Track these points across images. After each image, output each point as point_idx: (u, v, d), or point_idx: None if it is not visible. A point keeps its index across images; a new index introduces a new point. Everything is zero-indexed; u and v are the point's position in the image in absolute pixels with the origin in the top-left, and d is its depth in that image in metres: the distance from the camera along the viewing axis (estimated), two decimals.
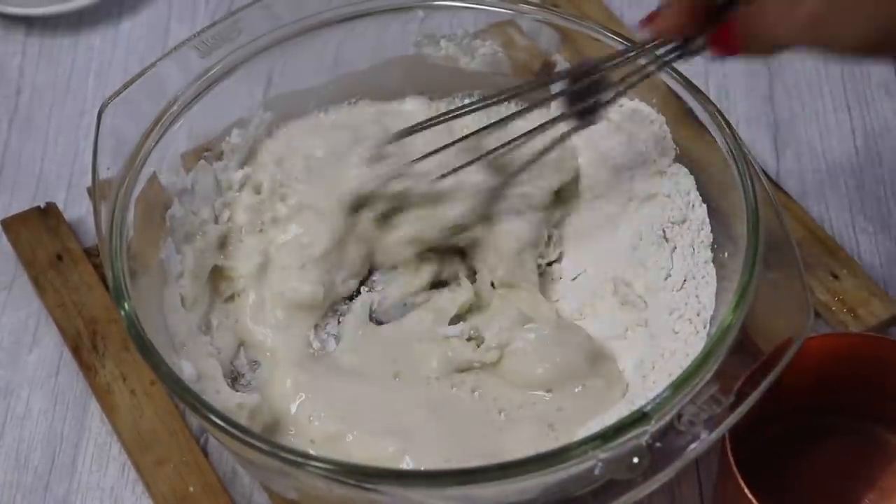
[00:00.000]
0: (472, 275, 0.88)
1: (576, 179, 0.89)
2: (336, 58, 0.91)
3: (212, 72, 0.85)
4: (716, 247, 0.81)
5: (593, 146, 0.88)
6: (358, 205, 0.85)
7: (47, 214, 0.95)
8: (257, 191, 0.88)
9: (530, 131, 0.83)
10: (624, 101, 0.88)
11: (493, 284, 0.87)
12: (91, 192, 0.88)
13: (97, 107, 0.81)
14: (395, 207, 0.85)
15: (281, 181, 0.88)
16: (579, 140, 0.88)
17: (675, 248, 0.83)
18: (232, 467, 0.83)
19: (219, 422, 0.69)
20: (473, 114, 0.86)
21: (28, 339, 0.91)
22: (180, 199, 0.85)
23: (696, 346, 0.76)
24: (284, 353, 0.83)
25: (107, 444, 0.85)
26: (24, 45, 1.11)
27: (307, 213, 0.86)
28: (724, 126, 0.79)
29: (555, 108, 0.85)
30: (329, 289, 0.85)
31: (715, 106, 0.79)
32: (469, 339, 0.83)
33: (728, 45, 0.69)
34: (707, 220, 0.82)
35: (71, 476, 0.84)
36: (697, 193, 0.83)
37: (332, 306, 0.87)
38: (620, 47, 0.85)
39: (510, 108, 0.89)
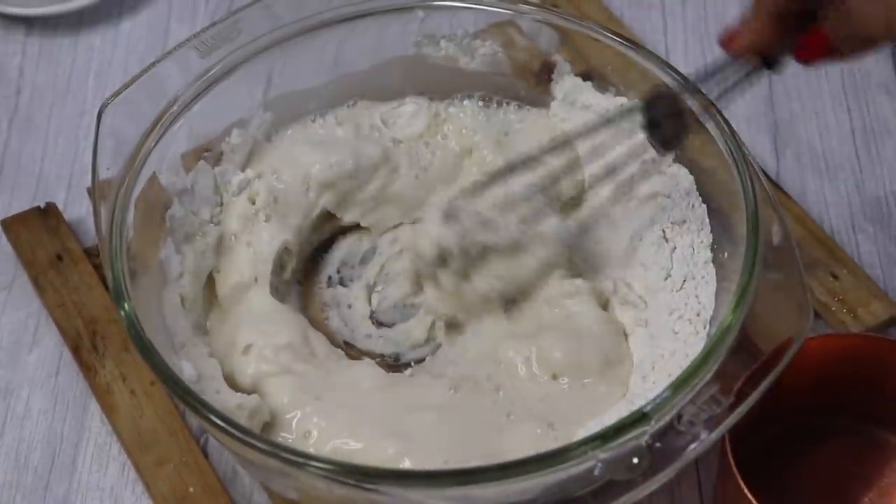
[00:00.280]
0: None
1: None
2: (336, 58, 0.91)
3: (212, 72, 0.85)
4: (715, 247, 0.81)
5: (592, 146, 0.88)
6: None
7: (47, 214, 0.95)
8: (252, 200, 0.88)
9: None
10: (623, 100, 0.88)
11: None
12: (91, 192, 0.88)
13: (97, 107, 0.81)
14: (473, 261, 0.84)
15: (276, 197, 0.87)
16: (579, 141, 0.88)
17: (675, 248, 0.83)
18: (232, 467, 0.83)
19: (218, 422, 0.69)
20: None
21: (28, 339, 0.91)
22: (180, 200, 0.85)
23: (696, 346, 0.76)
24: None
25: (107, 445, 0.85)
26: (24, 45, 1.11)
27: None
28: (724, 126, 0.79)
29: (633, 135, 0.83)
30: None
31: (715, 106, 0.79)
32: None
33: (815, 50, 0.69)
34: (707, 220, 0.82)
35: (71, 476, 0.84)
36: (697, 194, 0.83)
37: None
38: (621, 48, 0.85)
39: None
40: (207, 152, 0.88)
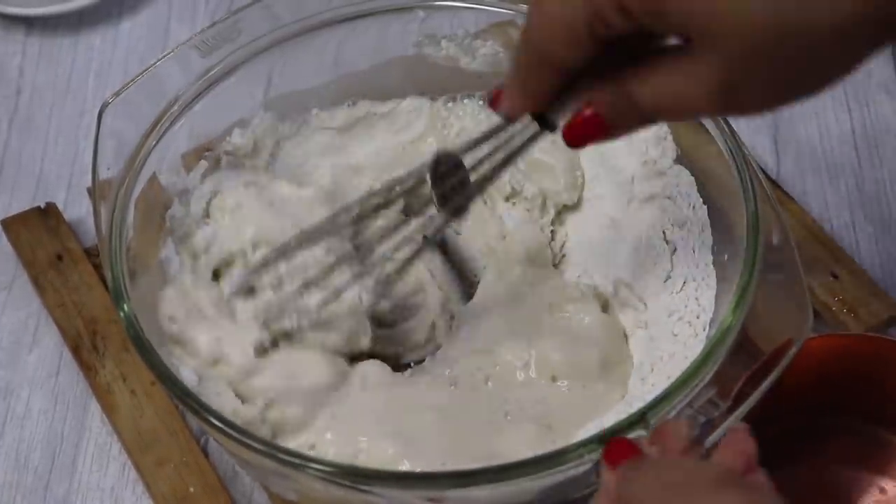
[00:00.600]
0: None
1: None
2: (336, 58, 0.91)
3: (212, 72, 0.85)
4: (716, 249, 0.81)
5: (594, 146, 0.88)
6: None
7: (47, 214, 0.95)
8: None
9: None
10: None
11: None
12: (91, 192, 0.88)
13: (97, 107, 0.81)
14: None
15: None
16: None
17: (676, 249, 0.83)
18: (232, 467, 0.83)
19: (217, 423, 0.69)
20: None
21: (28, 339, 0.91)
22: (180, 200, 0.85)
23: (696, 348, 0.76)
24: None
25: (107, 445, 0.85)
26: (24, 45, 1.11)
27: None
28: (724, 126, 0.79)
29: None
30: None
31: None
32: None
33: (588, 130, 0.61)
34: (708, 221, 0.82)
35: (71, 476, 0.84)
36: (698, 195, 0.83)
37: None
38: None
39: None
40: (208, 152, 0.88)
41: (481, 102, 0.93)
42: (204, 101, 0.85)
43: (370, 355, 0.85)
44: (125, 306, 0.73)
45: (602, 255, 0.87)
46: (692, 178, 0.83)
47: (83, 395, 0.87)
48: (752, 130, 1.02)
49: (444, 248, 0.90)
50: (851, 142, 1.01)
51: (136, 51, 1.10)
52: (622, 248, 0.86)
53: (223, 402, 0.75)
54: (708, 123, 0.80)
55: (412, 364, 0.85)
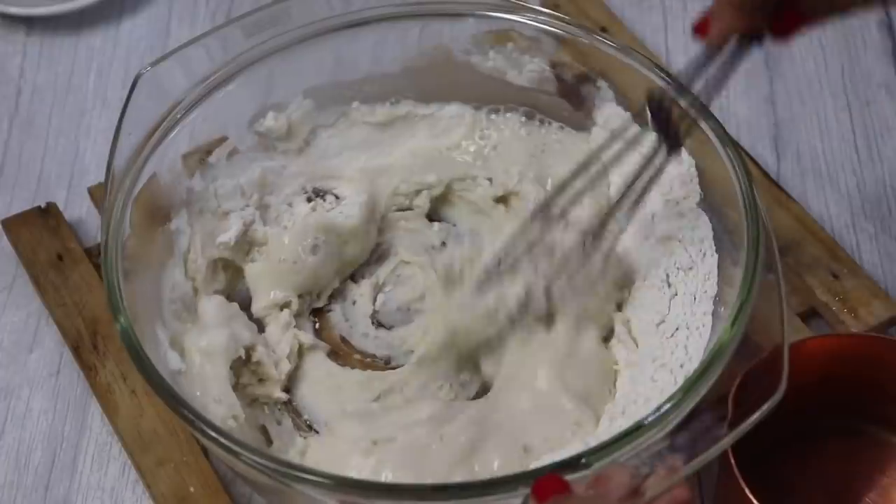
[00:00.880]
0: None
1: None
2: (378, 55, 0.91)
3: (245, 54, 0.86)
4: (717, 299, 0.78)
5: (625, 178, 0.85)
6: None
7: (48, 214, 0.95)
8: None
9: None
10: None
11: None
12: (110, 159, 0.83)
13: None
14: None
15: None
16: (614, 175, 0.87)
17: (676, 294, 0.81)
18: (232, 467, 0.83)
19: (212, 434, 0.69)
20: None
21: (28, 339, 0.91)
22: (202, 175, 0.86)
23: None
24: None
25: (107, 444, 0.85)
26: (24, 45, 1.11)
27: None
28: (725, 136, 0.78)
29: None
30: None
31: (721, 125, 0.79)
32: None
33: (791, 27, 0.66)
34: (716, 271, 0.79)
35: (71, 476, 0.84)
36: (712, 242, 0.81)
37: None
38: (620, 54, 0.85)
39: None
40: (223, 143, 0.88)
41: (523, 118, 0.92)
42: (237, 80, 0.86)
43: (361, 353, 0.86)
44: (121, 318, 0.73)
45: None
46: (710, 226, 0.81)
47: (83, 395, 0.87)
48: (753, 130, 1.02)
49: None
50: (851, 142, 1.01)
51: (137, 51, 1.10)
52: (632, 283, 0.85)
53: (215, 410, 0.76)
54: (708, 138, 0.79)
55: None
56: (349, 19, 0.88)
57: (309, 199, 0.90)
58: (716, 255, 0.80)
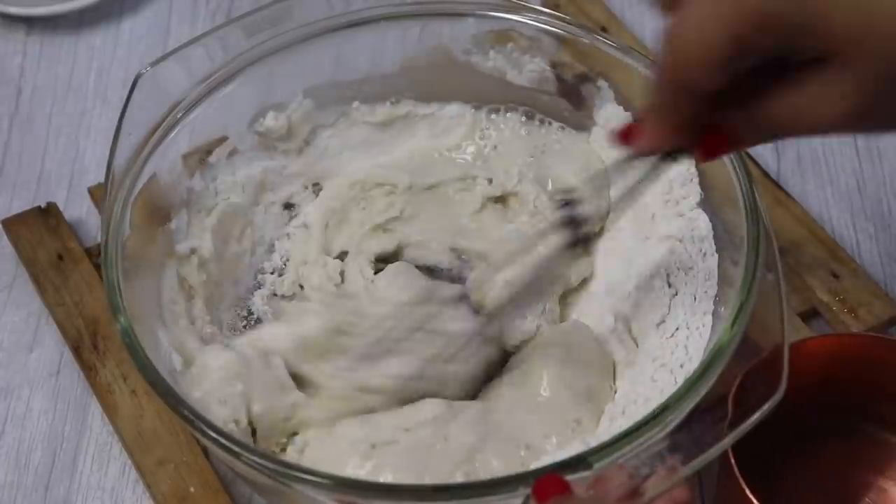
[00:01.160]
0: None
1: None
2: (379, 55, 0.91)
3: (245, 54, 0.86)
4: (717, 299, 0.78)
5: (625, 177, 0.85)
6: None
7: (48, 214, 0.95)
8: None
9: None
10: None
11: None
12: (106, 177, 0.83)
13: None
14: None
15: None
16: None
17: (676, 294, 0.81)
18: (232, 467, 0.83)
19: (214, 435, 0.69)
20: None
21: (28, 339, 0.91)
22: (202, 175, 0.86)
23: None
24: None
25: (107, 444, 0.85)
26: (24, 44, 1.11)
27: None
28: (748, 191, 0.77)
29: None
30: None
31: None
32: None
33: (718, 149, 0.63)
34: (716, 271, 0.79)
35: (71, 476, 0.84)
36: (712, 242, 0.80)
37: None
38: (620, 54, 0.84)
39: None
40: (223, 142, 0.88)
41: (524, 118, 0.93)
42: (237, 80, 0.86)
43: None
44: (121, 318, 0.73)
45: (611, 287, 0.85)
46: (710, 226, 0.81)
47: (83, 395, 0.87)
48: None
49: None
50: (851, 142, 1.01)
51: (137, 51, 1.10)
52: (628, 283, 0.84)
53: (223, 410, 0.76)
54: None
55: None
56: (349, 19, 0.88)
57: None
58: (716, 255, 0.79)
